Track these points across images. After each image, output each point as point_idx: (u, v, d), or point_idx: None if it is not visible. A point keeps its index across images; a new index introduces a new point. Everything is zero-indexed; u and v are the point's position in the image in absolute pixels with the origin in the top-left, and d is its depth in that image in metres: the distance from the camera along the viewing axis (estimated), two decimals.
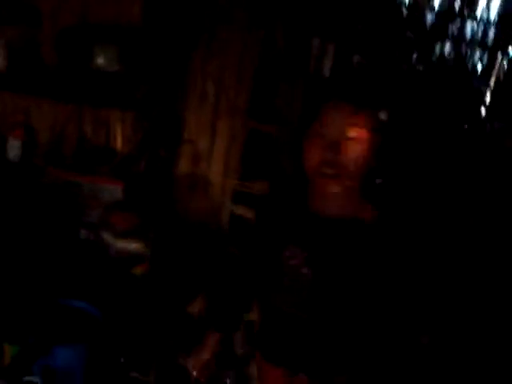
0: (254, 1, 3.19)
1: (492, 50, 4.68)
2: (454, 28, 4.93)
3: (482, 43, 4.76)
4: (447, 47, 4.90)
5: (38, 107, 3.37)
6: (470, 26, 4.99)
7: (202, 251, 3.42)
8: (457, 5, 4.94)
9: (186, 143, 3.40)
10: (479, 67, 4.78)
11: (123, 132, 3.24)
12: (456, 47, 4.96)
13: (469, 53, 4.80)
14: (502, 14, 4.46)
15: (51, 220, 3.11)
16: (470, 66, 4.65)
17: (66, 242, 3.07)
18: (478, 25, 4.84)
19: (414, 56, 3.83)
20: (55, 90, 3.22)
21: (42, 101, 3.34)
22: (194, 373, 1.91)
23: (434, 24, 4.21)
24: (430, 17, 4.37)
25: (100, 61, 3.15)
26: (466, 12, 4.90)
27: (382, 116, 1.67)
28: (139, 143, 3.19)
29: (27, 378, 2.29)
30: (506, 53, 4.74)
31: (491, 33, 4.85)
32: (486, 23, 4.75)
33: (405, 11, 3.90)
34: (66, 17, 3.28)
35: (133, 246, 2.96)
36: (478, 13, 4.84)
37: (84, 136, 3.32)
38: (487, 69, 4.70)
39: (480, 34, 4.94)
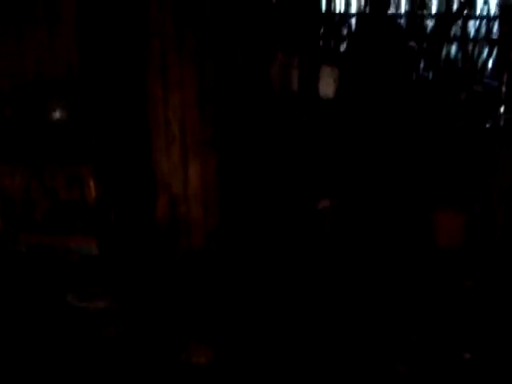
0: (202, 24, 2.95)
1: None
2: None
3: None
4: None
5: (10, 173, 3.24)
6: None
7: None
8: None
9: (161, 186, 3.18)
10: None
11: (85, 183, 3.06)
12: None
13: None
14: None
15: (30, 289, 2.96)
16: None
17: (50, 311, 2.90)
18: None
19: None
20: (21, 151, 3.09)
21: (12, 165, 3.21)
22: None
23: None
24: None
25: (54, 114, 3.01)
26: None
27: None
28: (104, 194, 2.99)
29: None
30: None
31: None
32: None
33: None
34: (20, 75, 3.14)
35: (101, 305, 2.74)
36: None
37: (53, 193, 3.15)
38: None
39: None
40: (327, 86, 3.12)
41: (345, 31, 4.89)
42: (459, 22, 5.22)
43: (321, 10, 3.48)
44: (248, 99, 3.12)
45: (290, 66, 3.14)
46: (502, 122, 4.55)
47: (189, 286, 3.22)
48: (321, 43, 4.62)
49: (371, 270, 3.53)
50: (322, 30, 4.58)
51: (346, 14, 4.61)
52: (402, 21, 4.45)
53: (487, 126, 4.55)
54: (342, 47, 4.68)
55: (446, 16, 5.11)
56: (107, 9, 3.00)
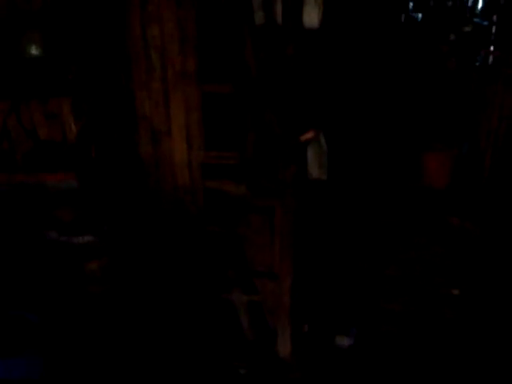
0: None
1: None
2: None
3: None
4: None
5: None
6: None
7: (178, 232, 3.14)
8: None
9: (142, 121, 3.10)
10: None
11: (65, 120, 2.98)
12: None
13: None
14: None
15: (12, 226, 2.89)
16: None
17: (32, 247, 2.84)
18: None
19: None
20: None
21: None
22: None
23: None
24: None
25: (30, 49, 2.91)
26: None
27: None
28: (83, 129, 2.91)
29: None
30: None
31: None
32: None
33: None
34: None
35: (83, 240, 2.69)
36: None
37: (32, 132, 3.07)
38: None
39: None
40: (312, 16, 3.01)
41: None
42: None
43: None
44: (229, 30, 3.01)
45: None
46: (490, 61, 4.49)
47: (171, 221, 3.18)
48: None
49: (362, 206, 3.50)
50: None
51: None
52: None
53: (476, 65, 4.48)
54: None
55: None
56: None
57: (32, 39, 2.93)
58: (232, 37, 2.94)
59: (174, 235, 3.11)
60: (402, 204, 3.87)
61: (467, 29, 4.82)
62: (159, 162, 3.20)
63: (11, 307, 2.51)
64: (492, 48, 4.80)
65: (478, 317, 3.12)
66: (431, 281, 3.37)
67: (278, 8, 2.98)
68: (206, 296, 3.08)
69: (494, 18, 4.98)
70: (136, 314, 2.86)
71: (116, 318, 2.77)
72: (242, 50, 2.91)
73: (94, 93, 2.94)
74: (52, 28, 2.89)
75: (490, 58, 4.61)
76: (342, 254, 3.37)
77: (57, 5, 2.95)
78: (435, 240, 3.68)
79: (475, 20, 4.91)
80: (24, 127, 3.08)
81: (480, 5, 5.09)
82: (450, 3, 5.02)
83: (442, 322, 3.07)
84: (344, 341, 2.94)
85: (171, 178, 3.20)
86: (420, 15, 5.05)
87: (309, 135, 2.99)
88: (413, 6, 5.23)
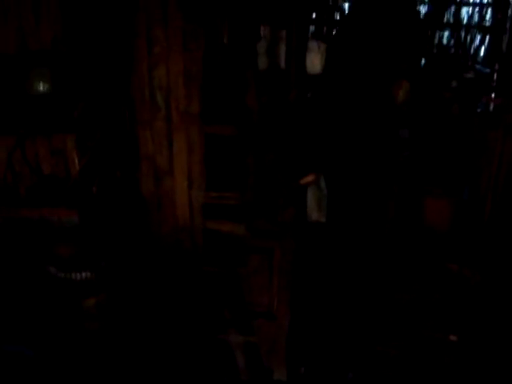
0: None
1: None
2: None
3: None
4: None
5: None
6: None
7: (176, 272, 3.16)
8: None
9: (144, 160, 3.15)
10: None
11: (69, 156, 3.03)
12: None
13: None
14: None
15: (10, 262, 2.91)
16: None
17: (31, 282, 2.86)
18: None
19: None
20: (4, 122, 3.05)
21: None
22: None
23: None
24: None
25: (38, 86, 2.97)
26: None
27: None
28: (86, 166, 2.96)
29: None
30: None
31: None
32: None
33: None
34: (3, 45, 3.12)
35: (82, 276, 2.71)
36: None
37: (36, 167, 3.13)
38: None
39: None
40: (314, 62, 3.08)
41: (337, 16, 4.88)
42: (452, 9, 5.21)
43: None
44: (235, 75, 3.08)
45: (278, 40, 3.10)
46: (491, 107, 4.54)
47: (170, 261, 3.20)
48: (313, 27, 4.59)
49: (361, 249, 3.52)
50: (313, 15, 4.54)
51: None
52: None
53: (478, 111, 4.54)
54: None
55: (439, 2, 5.09)
56: None
57: (40, 76, 3.00)
58: (236, 80, 3.00)
59: (172, 274, 3.13)
60: (400, 247, 3.89)
61: (469, 75, 4.89)
62: (160, 201, 3.23)
63: (7, 342, 2.52)
64: (493, 95, 4.87)
65: (476, 363, 3.11)
66: (428, 326, 3.37)
67: (282, 54, 3.05)
68: (202, 336, 3.09)
69: (496, 65, 5.05)
70: (132, 353, 2.86)
71: (112, 356, 2.78)
72: (245, 93, 2.97)
73: (98, 130, 2.99)
74: (60, 66, 2.95)
75: (491, 105, 4.67)
76: (339, 296, 3.38)
77: (66, 44, 3.02)
78: (433, 286, 3.68)
79: (477, 67, 4.98)
80: (28, 162, 3.13)
81: (482, 52, 5.17)
82: (452, 50, 5.10)
83: (439, 367, 3.06)
84: None
85: (172, 216, 3.24)
86: (423, 61, 5.12)
87: (309, 179, 3.03)
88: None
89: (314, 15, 4.58)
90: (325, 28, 4.83)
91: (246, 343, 3.07)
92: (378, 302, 3.32)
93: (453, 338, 3.33)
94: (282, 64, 3.11)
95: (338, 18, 4.89)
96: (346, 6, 4.86)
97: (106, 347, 2.78)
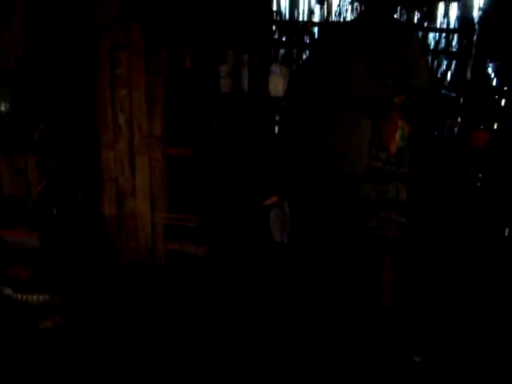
0: (150, 20, 2.94)
1: None
2: None
3: None
4: None
5: None
6: None
7: (137, 294, 3.15)
8: None
9: (106, 181, 3.14)
10: None
11: (30, 176, 3.02)
12: None
13: None
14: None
15: None
16: None
17: None
18: None
19: None
20: None
21: None
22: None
23: None
24: None
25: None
26: None
27: None
28: (47, 187, 2.95)
29: None
30: None
31: None
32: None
33: None
34: None
35: (38, 298, 2.69)
36: None
37: None
38: None
39: None
40: (277, 85, 3.12)
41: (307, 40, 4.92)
42: (419, 34, 5.29)
43: (271, 9, 3.50)
44: (197, 98, 3.10)
45: (241, 64, 3.13)
46: (455, 131, 4.61)
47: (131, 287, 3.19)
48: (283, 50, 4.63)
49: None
50: (283, 38, 4.59)
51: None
52: None
53: (443, 134, 4.60)
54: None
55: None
56: (53, 5, 2.98)
57: (1, 96, 2.98)
58: (198, 103, 3.02)
59: (133, 296, 3.11)
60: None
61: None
62: (122, 223, 3.23)
63: None
64: (459, 119, 4.93)
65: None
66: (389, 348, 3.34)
67: (245, 77, 3.08)
68: (164, 357, 3.07)
69: (462, 90, 5.13)
70: (92, 375, 2.84)
71: (73, 378, 2.75)
72: (207, 115, 2.99)
73: (59, 151, 2.98)
74: (21, 86, 2.94)
75: (456, 129, 4.73)
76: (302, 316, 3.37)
77: (27, 64, 3.02)
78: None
79: (443, 91, 5.05)
80: None
81: (449, 77, 5.25)
82: None
83: None
84: None
85: (134, 238, 3.23)
86: None
87: (271, 201, 3.05)
88: None
89: (283, 38, 4.61)
90: (294, 51, 4.87)
91: (205, 366, 3.06)
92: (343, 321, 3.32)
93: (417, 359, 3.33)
94: (245, 87, 3.14)
95: (308, 41, 4.94)
96: (316, 29, 4.92)
97: (65, 369, 2.75)
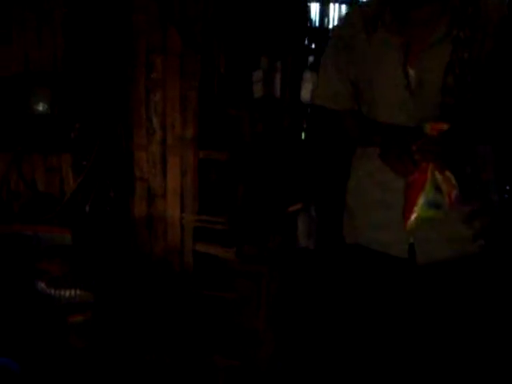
0: (187, 25, 3.00)
1: None
2: None
3: None
4: None
5: None
6: None
7: (165, 294, 3.20)
8: None
9: (138, 181, 3.21)
10: None
11: (64, 175, 3.10)
12: None
13: None
14: None
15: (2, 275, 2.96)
16: None
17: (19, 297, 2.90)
18: None
19: None
20: (3, 140, 3.13)
21: None
22: None
23: None
24: None
25: (38, 104, 3.05)
26: None
27: None
28: (80, 186, 3.02)
29: None
30: None
31: None
32: None
33: None
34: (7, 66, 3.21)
35: (70, 293, 2.76)
36: None
37: (31, 184, 3.19)
38: None
39: None
40: (308, 92, 3.16)
41: None
42: None
43: (307, 17, 3.54)
44: (229, 102, 3.15)
45: (274, 70, 3.17)
46: None
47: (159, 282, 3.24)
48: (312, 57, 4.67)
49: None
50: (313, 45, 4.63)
51: None
52: None
53: None
54: None
55: None
56: (93, 8, 3.06)
57: (40, 96, 3.07)
58: (231, 106, 3.08)
59: (160, 295, 3.16)
60: None
61: None
62: (152, 223, 3.28)
63: None
64: None
65: None
66: None
67: (278, 83, 3.12)
68: (187, 357, 3.12)
69: None
70: (118, 372, 2.89)
71: (96, 374, 2.81)
72: (239, 120, 3.04)
73: (94, 151, 3.05)
74: (60, 87, 3.03)
75: None
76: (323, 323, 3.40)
77: (66, 66, 3.10)
78: None
79: None
80: (24, 179, 3.19)
81: None
82: None
83: None
84: None
85: (162, 238, 3.29)
86: None
87: (296, 207, 3.09)
88: None
89: (313, 45, 4.65)
90: None
91: (229, 367, 3.09)
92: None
93: None
94: (277, 93, 3.19)
95: None
96: None
97: (91, 365, 2.81)
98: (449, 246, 2.09)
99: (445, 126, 1.82)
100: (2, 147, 3.11)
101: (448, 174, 1.85)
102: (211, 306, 3.26)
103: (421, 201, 1.85)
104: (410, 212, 1.87)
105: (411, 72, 1.95)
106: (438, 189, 1.83)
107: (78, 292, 2.83)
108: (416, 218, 1.87)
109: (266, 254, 3.15)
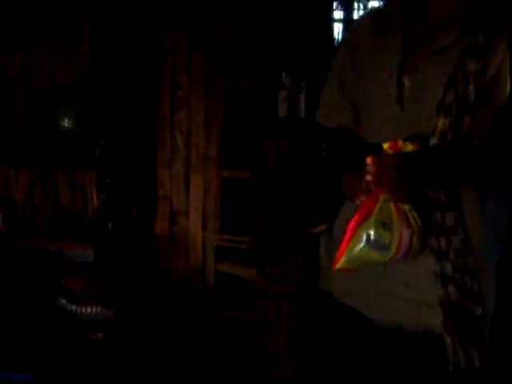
0: (213, 45, 3.02)
1: None
2: None
3: None
4: None
5: (15, 176, 3.32)
6: None
7: (186, 312, 3.19)
8: None
9: (161, 199, 3.22)
10: None
11: (88, 192, 3.11)
12: None
13: None
14: None
15: (22, 290, 2.97)
16: None
17: (41, 312, 2.91)
18: None
19: None
20: (28, 156, 3.15)
21: (18, 169, 3.29)
22: None
23: None
24: None
25: (63, 121, 3.08)
26: None
27: None
28: (104, 203, 3.03)
29: None
30: None
31: None
32: None
33: None
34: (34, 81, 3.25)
35: (91, 310, 2.75)
36: None
37: (55, 200, 3.21)
38: None
39: None
40: None
41: None
42: None
43: (331, 37, 3.55)
44: (254, 121, 3.15)
45: (299, 90, 3.17)
46: None
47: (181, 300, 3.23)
48: None
49: None
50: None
51: None
52: None
53: None
54: None
55: None
56: (121, 27, 3.09)
57: (66, 113, 3.10)
58: (255, 126, 3.08)
59: (181, 313, 3.15)
60: None
61: None
62: (173, 241, 3.28)
63: (9, 370, 2.54)
64: None
65: None
66: None
67: (302, 103, 3.11)
68: (206, 376, 3.09)
69: None
70: None
71: None
72: (263, 139, 3.03)
73: (118, 169, 3.06)
74: (86, 104, 3.05)
75: None
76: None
77: (92, 81, 3.13)
78: None
79: None
80: (48, 195, 3.21)
81: None
82: None
83: None
84: None
85: (184, 257, 3.28)
86: None
87: (320, 228, 3.06)
88: None
89: None
90: None
91: None
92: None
93: None
94: (302, 113, 3.18)
95: None
96: None
97: (110, 382, 2.79)
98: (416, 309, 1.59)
99: (409, 146, 1.39)
100: (27, 163, 3.13)
101: (407, 208, 1.40)
102: (231, 325, 3.24)
103: (359, 235, 1.39)
104: (345, 248, 1.41)
105: (406, 83, 1.58)
106: (385, 225, 1.38)
107: (99, 309, 2.82)
108: (349, 257, 1.42)
109: (288, 275, 3.12)
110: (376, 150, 1.48)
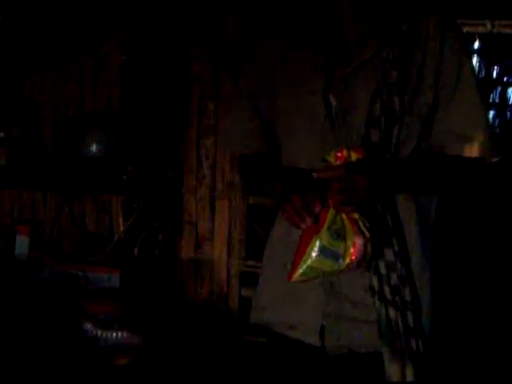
0: (239, 70, 3.05)
1: None
2: None
3: None
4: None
5: (43, 200, 3.37)
6: None
7: (210, 338, 3.19)
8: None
9: (187, 225, 3.24)
10: None
11: (114, 216, 3.14)
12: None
13: None
14: None
15: (51, 317, 2.99)
16: None
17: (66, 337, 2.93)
18: None
19: None
20: (56, 180, 3.20)
21: (46, 194, 3.34)
22: None
23: None
24: None
25: (91, 146, 3.12)
26: None
27: None
28: (130, 228, 3.06)
29: None
30: None
31: None
32: None
33: None
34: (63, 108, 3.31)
35: (117, 335, 2.77)
36: None
37: (82, 224, 3.25)
38: None
39: None
40: None
41: None
42: (499, 89, 5.25)
43: None
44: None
45: None
46: None
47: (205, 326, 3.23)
48: None
49: None
50: None
51: None
52: None
53: None
54: None
55: (485, 82, 5.14)
56: (149, 54, 3.14)
57: (94, 138, 3.14)
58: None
59: (205, 339, 3.15)
60: None
61: None
62: (198, 267, 3.30)
63: None
64: None
65: None
66: None
67: None
68: None
69: None
70: None
71: None
72: None
73: (145, 194, 3.09)
74: (113, 129, 3.09)
75: None
76: None
77: (120, 107, 3.18)
78: None
79: None
80: (75, 219, 3.24)
81: None
82: (496, 130, 5.11)
83: None
84: None
85: (208, 282, 3.29)
86: None
87: None
88: None
89: None
90: None
91: None
92: None
93: None
94: None
95: None
96: None
97: None
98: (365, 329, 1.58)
99: (354, 156, 1.42)
100: (55, 187, 3.17)
101: (357, 217, 1.42)
102: (255, 351, 3.22)
103: (313, 246, 1.39)
104: (300, 260, 1.40)
105: (333, 100, 1.58)
106: (338, 235, 1.40)
107: (125, 334, 2.83)
108: (304, 269, 1.40)
109: None
110: (306, 171, 1.52)
